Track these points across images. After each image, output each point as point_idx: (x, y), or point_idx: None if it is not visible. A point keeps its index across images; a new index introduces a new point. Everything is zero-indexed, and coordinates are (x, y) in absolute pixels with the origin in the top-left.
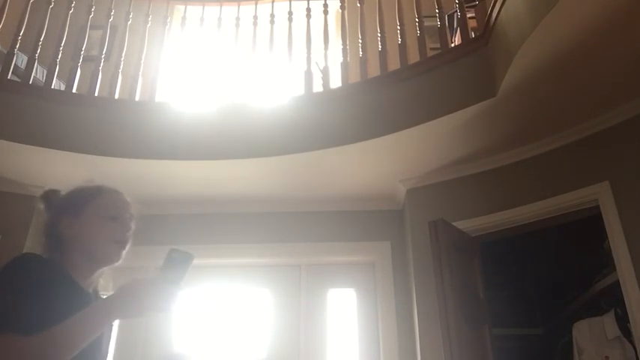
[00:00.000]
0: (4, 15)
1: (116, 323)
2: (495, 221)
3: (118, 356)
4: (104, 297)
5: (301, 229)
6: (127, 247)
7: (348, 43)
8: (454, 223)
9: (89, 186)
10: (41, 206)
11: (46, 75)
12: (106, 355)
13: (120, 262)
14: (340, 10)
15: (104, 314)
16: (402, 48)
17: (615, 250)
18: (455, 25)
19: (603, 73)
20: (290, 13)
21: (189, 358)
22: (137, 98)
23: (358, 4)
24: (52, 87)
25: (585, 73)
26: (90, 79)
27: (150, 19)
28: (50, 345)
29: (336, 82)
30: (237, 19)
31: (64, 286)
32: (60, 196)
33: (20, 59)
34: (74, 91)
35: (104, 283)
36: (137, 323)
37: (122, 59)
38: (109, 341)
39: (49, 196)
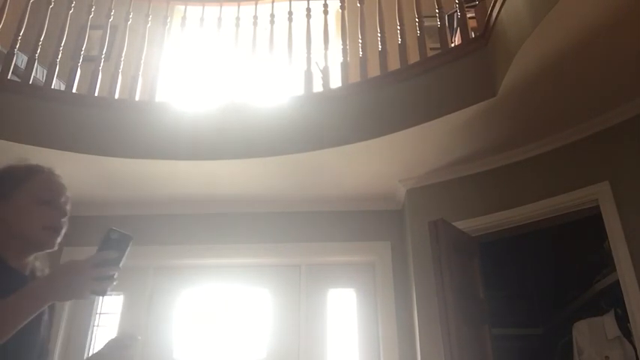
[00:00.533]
0: (4, 15)
1: (116, 323)
2: (495, 221)
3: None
4: (38, 278)
5: (301, 229)
6: (62, 232)
7: (348, 43)
8: (454, 223)
9: (20, 166)
10: None
11: (46, 75)
12: (49, 341)
13: (55, 248)
14: (340, 10)
15: (37, 296)
16: (402, 48)
17: (615, 250)
18: (455, 25)
19: (603, 73)
20: (290, 13)
21: (132, 340)
22: (137, 98)
23: (358, 4)
24: (52, 87)
25: (585, 73)
26: (90, 79)
27: (150, 19)
28: None
29: (336, 82)
30: (237, 19)
31: None
32: None
33: (20, 59)
34: (74, 91)
35: (41, 265)
36: (137, 323)
37: (122, 59)
38: (50, 326)
39: None
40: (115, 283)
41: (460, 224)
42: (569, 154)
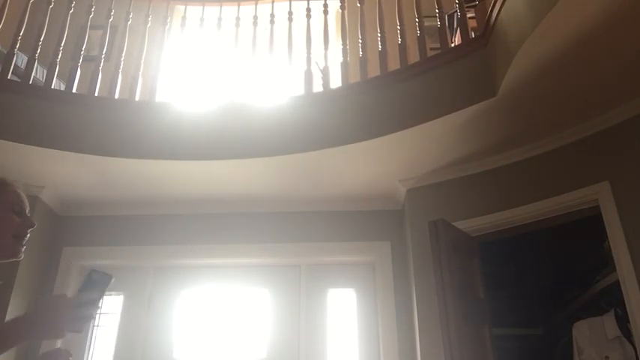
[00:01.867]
0: (4, 15)
1: (116, 323)
2: (495, 221)
3: (118, 356)
4: (16, 317)
5: (301, 229)
6: (25, 243)
7: (348, 43)
8: (454, 223)
9: None
10: None
11: (46, 75)
12: None
13: (21, 257)
14: (340, 10)
15: (13, 335)
16: (402, 48)
17: (615, 250)
18: (455, 25)
19: (603, 73)
20: (290, 13)
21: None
22: (137, 98)
23: (358, 4)
24: (52, 87)
25: (585, 73)
26: (90, 79)
27: (150, 19)
28: None
29: (336, 82)
30: (237, 19)
31: None
32: None
33: (20, 59)
34: (74, 91)
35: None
36: (137, 323)
37: (122, 59)
38: None
39: None
40: (92, 321)
41: (460, 224)
42: (569, 154)
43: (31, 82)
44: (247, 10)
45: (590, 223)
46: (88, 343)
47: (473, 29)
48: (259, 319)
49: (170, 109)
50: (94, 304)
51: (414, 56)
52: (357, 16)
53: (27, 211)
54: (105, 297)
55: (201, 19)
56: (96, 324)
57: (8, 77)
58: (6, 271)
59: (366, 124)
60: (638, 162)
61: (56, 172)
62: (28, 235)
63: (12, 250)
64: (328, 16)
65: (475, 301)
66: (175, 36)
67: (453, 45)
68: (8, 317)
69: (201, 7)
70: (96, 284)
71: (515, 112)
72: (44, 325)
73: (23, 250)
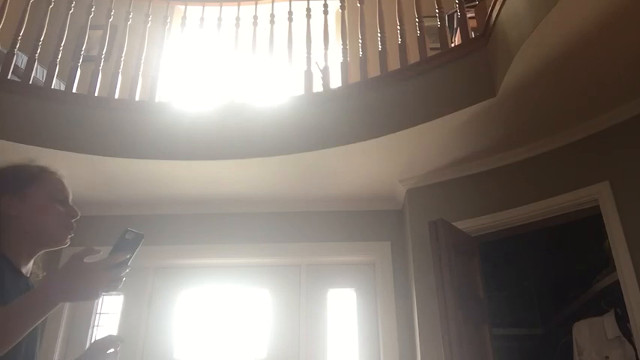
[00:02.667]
0: (4, 15)
1: (116, 323)
2: (495, 221)
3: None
4: (47, 279)
5: (301, 229)
6: (72, 233)
7: (348, 43)
8: (454, 223)
9: (32, 165)
10: None
11: (46, 75)
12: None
13: (67, 244)
14: (340, 10)
15: (48, 298)
16: (402, 48)
17: (615, 250)
18: (455, 25)
19: (603, 73)
20: (290, 13)
21: (117, 341)
22: (137, 98)
23: (358, 4)
24: (52, 87)
25: (585, 73)
26: (90, 79)
27: (150, 19)
28: None
29: (336, 82)
30: (237, 19)
31: (4, 270)
32: None
33: (20, 59)
34: (74, 91)
35: (36, 268)
36: (137, 323)
37: (122, 59)
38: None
39: None
40: (124, 279)
41: (460, 224)
42: (569, 154)
43: (31, 82)
44: (247, 10)
45: (590, 223)
46: (87, 343)
47: (473, 29)
48: (259, 319)
49: (170, 109)
50: (125, 263)
51: (414, 56)
52: (357, 16)
53: (70, 200)
54: (134, 257)
55: (201, 19)
56: (96, 324)
57: (8, 77)
58: None
59: (365, 124)
60: (638, 162)
61: None
62: (73, 225)
63: (58, 239)
64: (328, 16)
65: (475, 301)
66: (175, 36)
67: (453, 45)
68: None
69: (201, 7)
70: (128, 244)
71: (515, 112)
72: (77, 288)
73: (69, 237)
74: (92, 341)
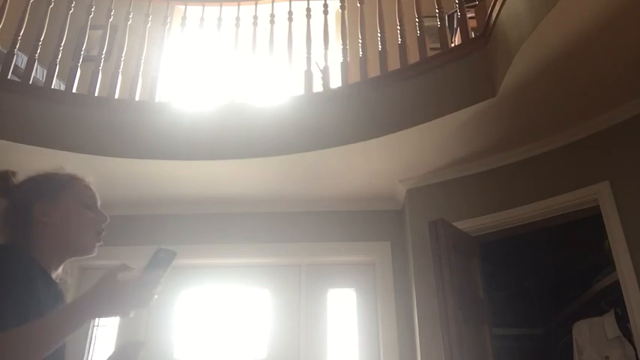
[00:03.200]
0: (4, 15)
1: (116, 323)
2: (495, 221)
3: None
4: (82, 294)
5: (301, 229)
6: (102, 239)
7: (348, 43)
8: (454, 223)
9: (62, 172)
10: None
11: (46, 75)
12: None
13: (95, 253)
14: (340, 10)
15: (82, 314)
16: (402, 48)
17: (615, 250)
18: (455, 25)
19: (603, 73)
20: (290, 13)
21: (141, 346)
22: (137, 98)
23: (358, 4)
24: (52, 87)
25: (585, 73)
26: (90, 79)
27: (150, 19)
28: (23, 342)
29: (336, 82)
30: (237, 19)
31: (37, 278)
32: (27, 180)
33: (20, 59)
34: (74, 91)
35: (64, 274)
36: (137, 323)
37: (122, 59)
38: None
39: (7, 177)
40: (156, 297)
41: (460, 224)
42: (569, 154)
43: (31, 82)
44: (247, 10)
45: (590, 223)
46: (88, 343)
47: (473, 29)
48: (259, 319)
49: (170, 109)
50: (157, 280)
51: (414, 56)
52: (357, 16)
53: (99, 206)
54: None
55: (201, 19)
56: (96, 324)
57: (8, 77)
58: None
59: (366, 124)
60: (638, 162)
61: None
62: (103, 231)
63: (88, 246)
64: (328, 16)
65: (475, 301)
66: (175, 36)
67: (453, 45)
68: None
69: (201, 7)
70: (161, 261)
71: (515, 112)
72: (111, 306)
73: (98, 245)
74: (117, 346)
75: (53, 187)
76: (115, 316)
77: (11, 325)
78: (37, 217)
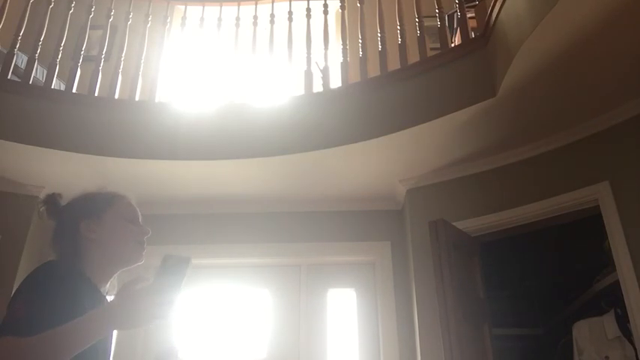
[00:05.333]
0: (4, 15)
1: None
2: (495, 221)
3: (118, 356)
4: (98, 308)
5: (301, 229)
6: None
7: (348, 43)
8: (454, 223)
9: (104, 191)
10: (44, 210)
11: (46, 75)
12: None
13: (142, 262)
14: (340, 10)
15: (100, 324)
16: (402, 48)
17: (615, 250)
18: (455, 25)
19: (603, 73)
20: (290, 13)
21: (176, 352)
22: (137, 98)
23: (358, 4)
24: (52, 87)
25: (585, 73)
26: (90, 79)
27: (150, 19)
28: (41, 347)
29: (336, 82)
30: (237, 19)
31: (83, 290)
32: (72, 202)
33: (20, 59)
34: (74, 91)
35: (111, 286)
36: None
37: (122, 59)
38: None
39: (56, 200)
40: (176, 306)
41: (460, 224)
42: (569, 154)
43: (31, 82)
44: (247, 10)
45: (590, 223)
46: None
47: (473, 29)
48: (259, 319)
49: (170, 109)
50: (175, 288)
51: (414, 56)
52: (357, 16)
53: (140, 220)
54: (185, 280)
55: (201, 19)
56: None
57: (8, 77)
58: (6, 273)
59: (366, 124)
60: (638, 162)
61: (56, 172)
62: (145, 242)
63: (134, 256)
64: (328, 16)
65: (475, 300)
66: (175, 36)
67: (453, 45)
68: None
69: (201, 7)
70: (173, 269)
71: (515, 111)
72: (126, 315)
73: (144, 255)
74: (157, 353)
75: (97, 205)
76: (135, 326)
77: (37, 331)
78: (84, 235)
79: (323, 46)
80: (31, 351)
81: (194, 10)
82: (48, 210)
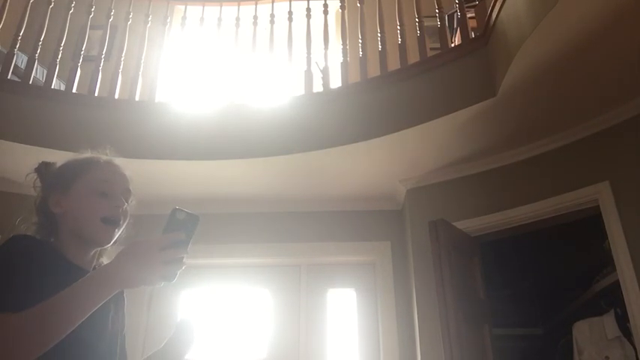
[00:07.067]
0: (4, 15)
1: None
2: (495, 221)
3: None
4: (103, 266)
5: (301, 229)
6: (120, 225)
7: (348, 43)
8: (454, 223)
9: (80, 158)
10: (34, 181)
11: (46, 75)
12: (123, 340)
13: (110, 244)
14: (340, 10)
15: (103, 282)
16: (402, 48)
17: (615, 250)
18: (455, 25)
19: (603, 73)
20: (290, 13)
21: (195, 324)
22: (137, 98)
23: (358, 4)
24: (52, 87)
25: (585, 73)
26: (90, 79)
27: (150, 19)
28: (42, 316)
29: (336, 82)
30: (237, 19)
31: (57, 264)
32: (52, 170)
33: (20, 59)
34: (74, 91)
35: (106, 260)
36: (137, 323)
37: (122, 59)
38: (120, 322)
39: (42, 169)
40: (183, 267)
41: (460, 224)
42: (569, 154)
43: (31, 82)
44: (247, 10)
45: (590, 223)
46: None
47: (473, 29)
48: (259, 319)
49: (170, 109)
50: (182, 246)
51: (414, 56)
52: (357, 16)
53: (119, 191)
54: (192, 240)
55: (201, 19)
56: None
57: (8, 77)
58: None
59: (366, 124)
60: (638, 162)
61: None
62: (121, 216)
63: (99, 236)
64: (328, 16)
65: (475, 301)
66: (175, 36)
67: (453, 45)
68: None
69: (201, 7)
70: (181, 224)
71: (515, 112)
72: (132, 272)
73: (115, 235)
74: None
75: (66, 176)
76: (141, 284)
77: (27, 306)
78: (51, 209)
79: (323, 46)
80: (28, 325)
81: (194, 10)
82: (37, 178)
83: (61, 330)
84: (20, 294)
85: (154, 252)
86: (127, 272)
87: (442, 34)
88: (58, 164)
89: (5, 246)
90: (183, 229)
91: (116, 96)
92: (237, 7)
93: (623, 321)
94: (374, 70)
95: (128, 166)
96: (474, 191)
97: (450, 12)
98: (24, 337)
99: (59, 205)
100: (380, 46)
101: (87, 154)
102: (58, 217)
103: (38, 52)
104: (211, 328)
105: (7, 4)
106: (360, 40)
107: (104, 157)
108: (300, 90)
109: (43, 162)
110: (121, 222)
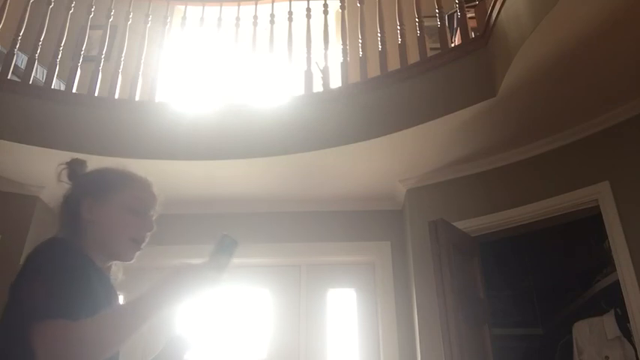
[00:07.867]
0: (4, 15)
1: None
2: (495, 221)
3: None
4: (158, 281)
5: (301, 229)
6: (143, 247)
7: (348, 43)
8: (454, 223)
9: (120, 171)
10: (64, 175)
11: (46, 75)
12: None
13: (132, 261)
14: (340, 10)
15: (162, 298)
16: (402, 48)
17: (615, 250)
18: (455, 25)
19: (603, 73)
20: (290, 13)
21: (189, 340)
22: (137, 98)
23: (358, 4)
24: (52, 87)
25: (585, 73)
26: (90, 79)
27: (150, 19)
28: (105, 328)
29: (336, 82)
30: (237, 19)
31: (94, 272)
32: (87, 173)
33: (20, 59)
34: (74, 91)
35: (116, 269)
36: None
37: (122, 59)
38: None
39: (76, 167)
40: (221, 286)
41: (460, 224)
42: (569, 154)
43: (31, 82)
44: (247, 10)
45: (590, 223)
46: None
47: (473, 29)
48: (259, 319)
49: (170, 109)
50: (224, 267)
51: (414, 56)
52: (357, 16)
53: (151, 213)
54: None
55: (201, 19)
56: None
57: (8, 77)
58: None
59: (366, 124)
60: (638, 162)
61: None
62: (147, 238)
63: (124, 253)
64: (328, 16)
65: (475, 300)
66: (175, 36)
67: (453, 45)
68: None
69: (201, 7)
70: (226, 249)
71: (515, 112)
72: (186, 289)
73: (136, 255)
74: (167, 340)
75: (104, 185)
76: (189, 298)
77: (82, 315)
78: (81, 212)
79: (323, 46)
80: (88, 334)
81: (194, 10)
82: (67, 173)
83: (124, 339)
84: (75, 302)
85: (205, 272)
86: (181, 291)
87: (442, 34)
88: (93, 168)
89: (48, 251)
90: (227, 253)
91: (116, 96)
92: (237, 7)
93: (623, 321)
94: (374, 70)
95: (128, 166)
96: (474, 191)
97: (450, 12)
98: (85, 346)
99: (91, 212)
100: (380, 46)
101: (123, 168)
102: (86, 223)
103: (38, 52)
104: (211, 328)
105: (7, 4)
106: (360, 40)
107: (140, 174)
108: (300, 90)
109: (75, 159)
110: (145, 244)
